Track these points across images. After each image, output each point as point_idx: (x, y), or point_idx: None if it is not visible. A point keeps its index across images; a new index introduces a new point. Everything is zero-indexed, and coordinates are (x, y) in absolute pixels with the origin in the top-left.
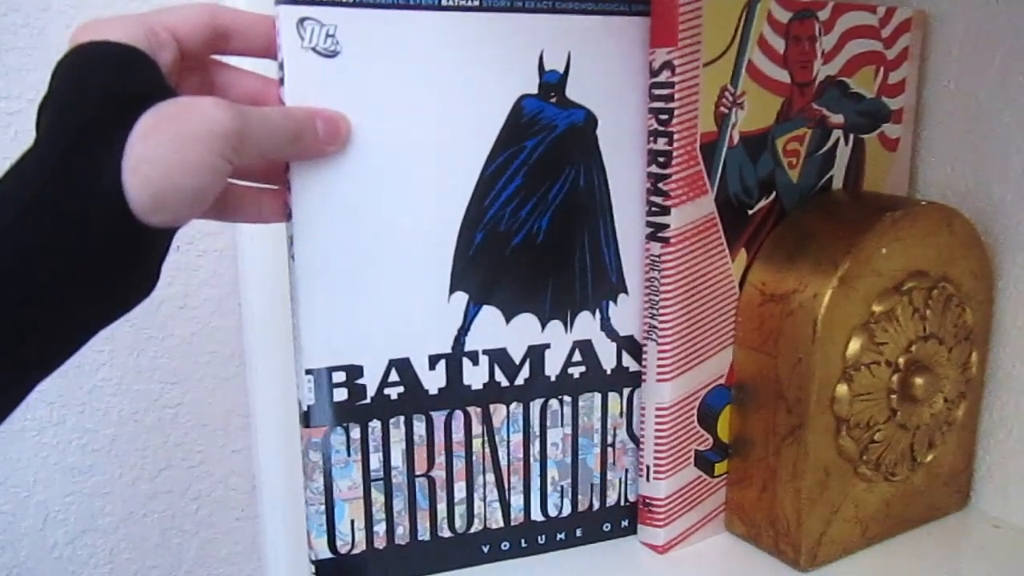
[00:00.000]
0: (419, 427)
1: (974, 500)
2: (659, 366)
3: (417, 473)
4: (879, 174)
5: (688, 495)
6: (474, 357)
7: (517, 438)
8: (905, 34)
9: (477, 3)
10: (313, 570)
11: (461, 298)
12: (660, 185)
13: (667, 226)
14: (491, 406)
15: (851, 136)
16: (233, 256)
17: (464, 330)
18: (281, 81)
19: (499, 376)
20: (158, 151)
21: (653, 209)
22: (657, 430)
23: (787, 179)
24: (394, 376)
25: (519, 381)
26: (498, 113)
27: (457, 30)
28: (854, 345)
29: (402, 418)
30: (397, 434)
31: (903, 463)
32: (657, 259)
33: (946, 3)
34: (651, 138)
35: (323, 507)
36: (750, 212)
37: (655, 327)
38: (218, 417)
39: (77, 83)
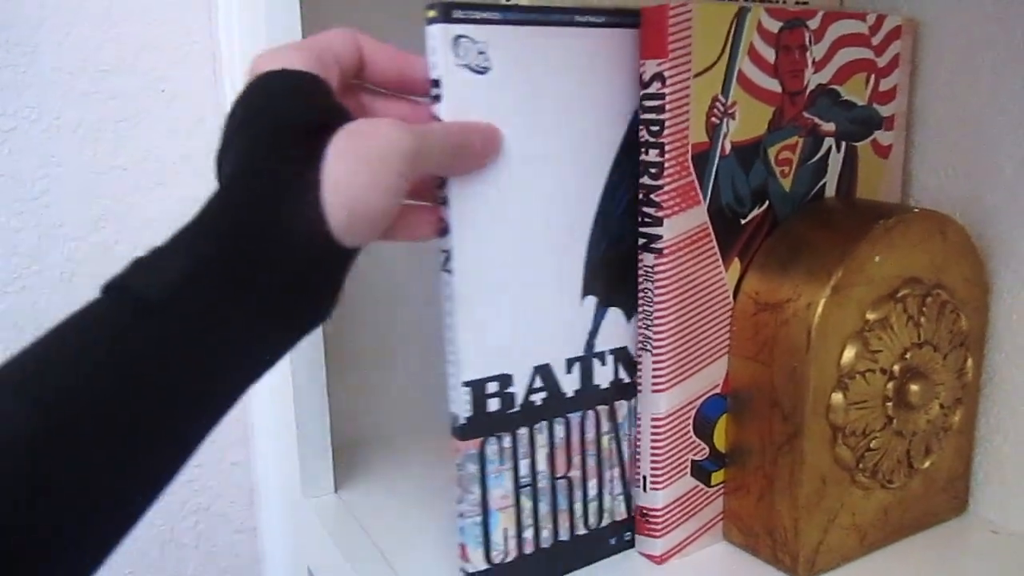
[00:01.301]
0: (559, 430)
1: (972, 506)
2: (654, 377)
3: (558, 475)
4: (872, 181)
5: (685, 505)
6: (602, 357)
7: (636, 431)
8: (896, 41)
9: (603, 20)
10: None
11: (591, 301)
12: (652, 196)
13: (660, 237)
14: (616, 403)
15: (843, 144)
16: None
17: (594, 332)
18: (437, 98)
19: (622, 373)
20: (351, 172)
21: (646, 220)
22: (653, 441)
23: (780, 188)
24: (538, 382)
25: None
26: (620, 122)
27: (585, 45)
28: (849, 353)
29: (545, 423)
30: (541, 439)
31: (900, 470)
32: (650, 270)
33: (937, 10)
34: (642, 149)
35: (480, 518)
36: (743, 222)
37: (649, 338)
38: (216, 430)
39: (270, 109)
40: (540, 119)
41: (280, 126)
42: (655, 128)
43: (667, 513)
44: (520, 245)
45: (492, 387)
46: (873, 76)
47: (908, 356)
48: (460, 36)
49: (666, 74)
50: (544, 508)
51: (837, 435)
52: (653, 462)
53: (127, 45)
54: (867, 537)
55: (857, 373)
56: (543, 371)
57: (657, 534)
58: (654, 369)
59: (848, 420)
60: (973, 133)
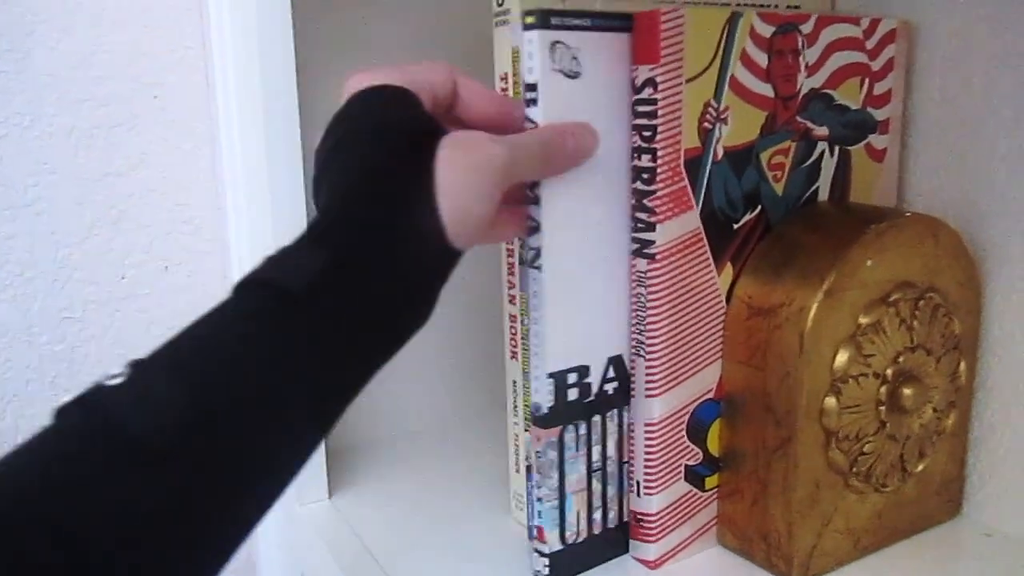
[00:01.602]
0: (627, 416)
1: (966, 509)
2: (647, 382)
3: (624, 459)
4: (867, 185)
5: (679, 509)
6: None
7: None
8: (890, 45)
9: None
10: (547, 563)
11: None
12: (645, 201)
13: (653, 242)
14: None
15: (836, 148)
16: (223, 275)
17: None
18: (533, 102)
19: None
20: (459, 180)
21: (638, 225)
22: (647, 446)
23: (772, 192)
24: (611, 372)
25: None
26: None
27: None
28: (841, 357)
29: (615, 410)
30: (612, 426)
31: (894, 474)
32: (643, 275)
33: (929, 13)
34: (635, 155)
35: (557, 502)
36: (736, 226)
37: (643, 343)
38: None
39: (383, 119)
40: (621, 121)
41: (395, 134)
42: (647, 133)
43: (661, 518)
44: (601, 242)
45: (572, 378)
46: (867, 80)
47: (901, 360)
48: (556, 42)
49: (658, 79)
50: (612, 490)
51: (830, 439)
52: (647, 467)
53: (119, 51)
54: (861, 541)
55: (850, 377)
56: (615, 361)
57: (651, 539)
58: (647, 374)
59: (841, 424)
60: (966, 136)
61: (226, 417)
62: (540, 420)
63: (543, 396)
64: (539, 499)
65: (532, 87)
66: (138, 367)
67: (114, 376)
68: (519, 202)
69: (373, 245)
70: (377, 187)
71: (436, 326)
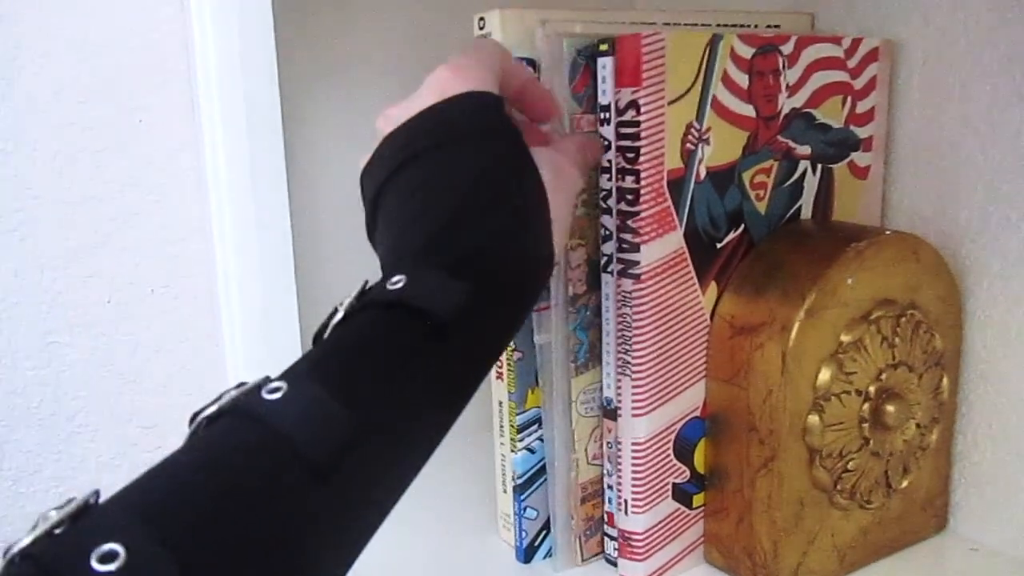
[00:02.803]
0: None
1: (951, 524)
2: (634, 401)
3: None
4: (850, 202)
5: (667, 528)
6: None
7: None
8: (873, 63)
9: None
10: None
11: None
12: (629, 223)
13: (637, 263)
14: None
15: (819, 166)
16: (209, 298)
17: None
18: (607, 121)
19: None
20: (560, 207)
21: (623, 246)
22: (634, 465)
23: (755, 211)
24: None
25: None
26: None
27: None
28: (824, 376)
29: None
30: None
31: (878, 490)
32: (628, 295)
33: (906, 33)
34: (618, 176)
35: None
36: (719, 245)
37: (628, 363)
38: None
39: (477, 135)
40: None
41: (505, 152)
42: (631, 155)
43: (649, 536)
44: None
45: None
46: (850, 98)
47: (883, 377)
48: None
49: (640, 102)
50: None
51: (814, 457)
52: (634, 486)
53: (103, 75)
54: (847, 558)
55: (833, 395)
56: None
57: (639, 557)
58: (633, 393)
59: (825, 442)
60: (945, 154)
61: (383, 437)
62: (610, 413)
63: (614, 391)
64: (609, 487)
65: (606, 108)
66: (294, 381)
67: (273, 389)
68: None
69: (505, 277)
70: (503, 212)
71: None
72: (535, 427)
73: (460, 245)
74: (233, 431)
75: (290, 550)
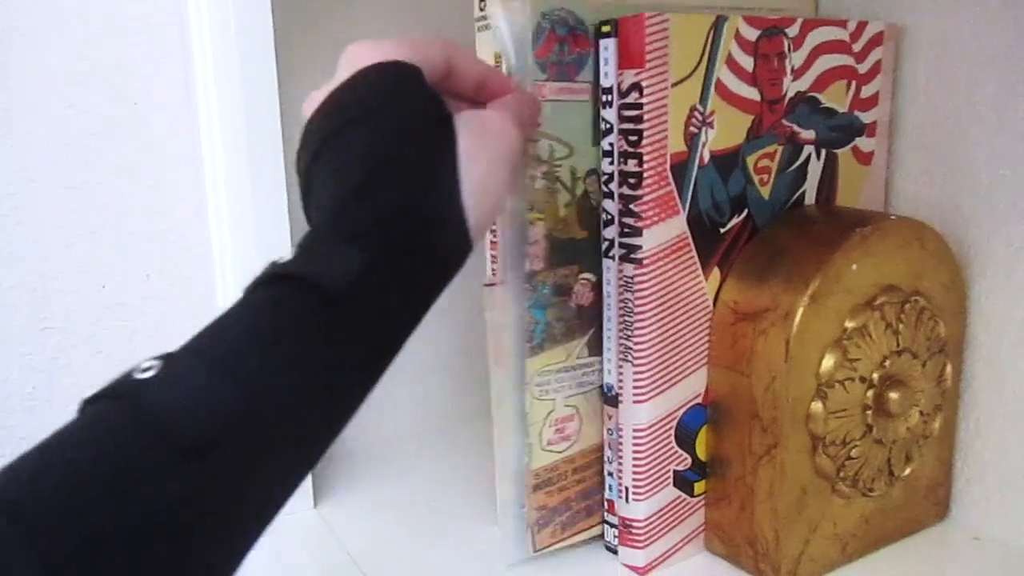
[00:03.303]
0: None
1: (953, 512)
2: (635, 388)
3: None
4: (854, 188)
5: (668, 516)
6: None
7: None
8: (877, 48)
9: None
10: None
11: None
12: (631, 206)
13: (639, 247)
14: None
15: (823, 151)
16: (206, 283)
17: None
18: (608, 104)
19: None
20: (481, 173)
21: (625, 231)
22: (635, 452)
23: (758, 196)
24: None
25: None
26: None
27: None
28: (827, 362)
29: None
30: None
31: (881, 478)
32: (631, 280)
33: (912, 18)
34: (621, 159)
35: None
36: (722, 230)
37: (630, 348)
38: None
39: (392, 102)
40: None
41: (414, 118)
42: (633, 138)
43: (650, 524)
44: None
45: None
46: (854, 83)
47: (887, 364)
48: None
49: (644, 84)
50: None
51: (817, 445)
52: (635, 473)
53: (99, 60)
54: (849, 546)
55: (836, 382)
56: None
57: (640, 545)
58: (635, 380)
59: (828, 429)
60: (950, 140)
61: (267, 410)
62: (611, 400)
63: (614, 378)
64: (609, 474)
65: (608, 91)
66: (170, 359)
67: (144, 368)
68: None
69: (405, 245)
70: (403, 180)
71: (422, 335)
72: None
73: (359, 216)
74: (100, 412)
75: (155, 528)
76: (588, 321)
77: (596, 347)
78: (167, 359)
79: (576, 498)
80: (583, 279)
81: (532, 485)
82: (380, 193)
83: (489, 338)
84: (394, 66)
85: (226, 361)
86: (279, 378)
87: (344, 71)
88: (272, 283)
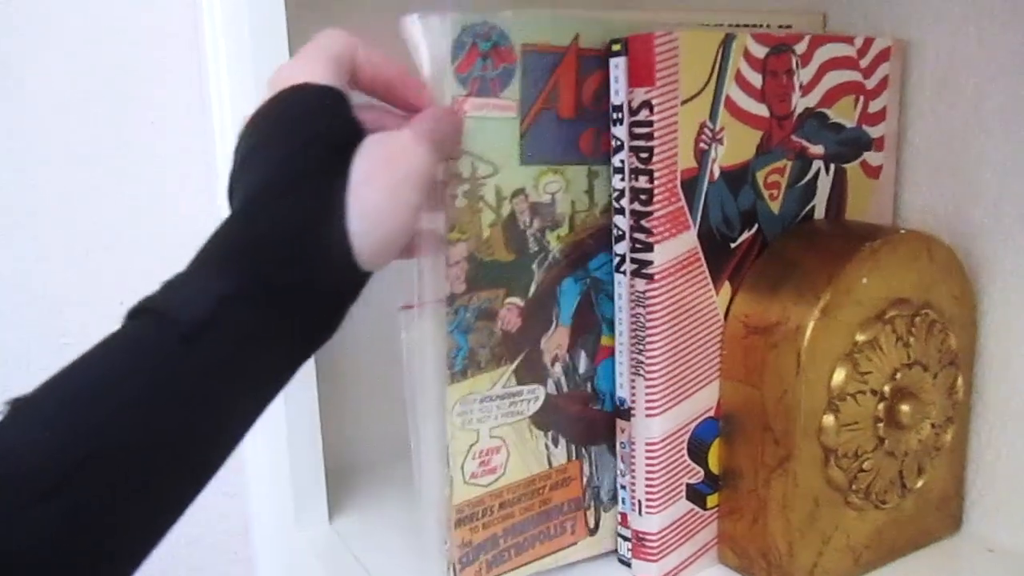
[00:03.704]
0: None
1: (966, 524)
2: (647, 402)
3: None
4: (862, 201)
5: (681, 528)
6: None
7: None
8: (884, 63)
9: None
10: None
11: None
12: (642, 222)
13: (651, 262)
14: None
15: (832, 165)
16: None
17: None
18: (619, 122)
19: None
20: (378, 199)
21: (636, 246)
22: (648, 465)
23: (768, 211)
24: None
25: None
26: None
27: None
28: (839, 375)
29: None
30: None
31: (893, 490)
32: (642, 295)
33: (918, 31)
34: (632, 176)
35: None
36: (733, 245)
37: (642, 363)
38: None
39: (289, 133)
40: None
41: (309, 149)
42: (644, 155)
43: (663, 537)
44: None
45: None
46: (862, 98)
47: (898, 376)
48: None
49: (654, 102)
50: None
51: (829, 457)
52: (648, 486)
53: (115, 74)
54: (862, 558)
55: (848, 395)
56: None
57: (653, 558)
58: (647, 394)
59: (840, 442)
60: (957, 153)
61: (112, 451)
62: (624, 414)
63: (627, 391)
64: (622, 487)
65: (618, 108)
66: (18, 405)
67: None
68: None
69: (272, 274)
70: (282, 209)
71: None
72: None
73: (226, 245)
74: None
75: (13, 571)
76: (516, 348)
77: (526, 375)
78: (14, 404)
79: (504, 535)
80: (510, 303)
81: (455, 520)
82: (251, 222)
83: (405, 363)
84: (303, 90)
85: (74, 402)
86: (124, 417)
87: (267, 94)
88: (136, 316)
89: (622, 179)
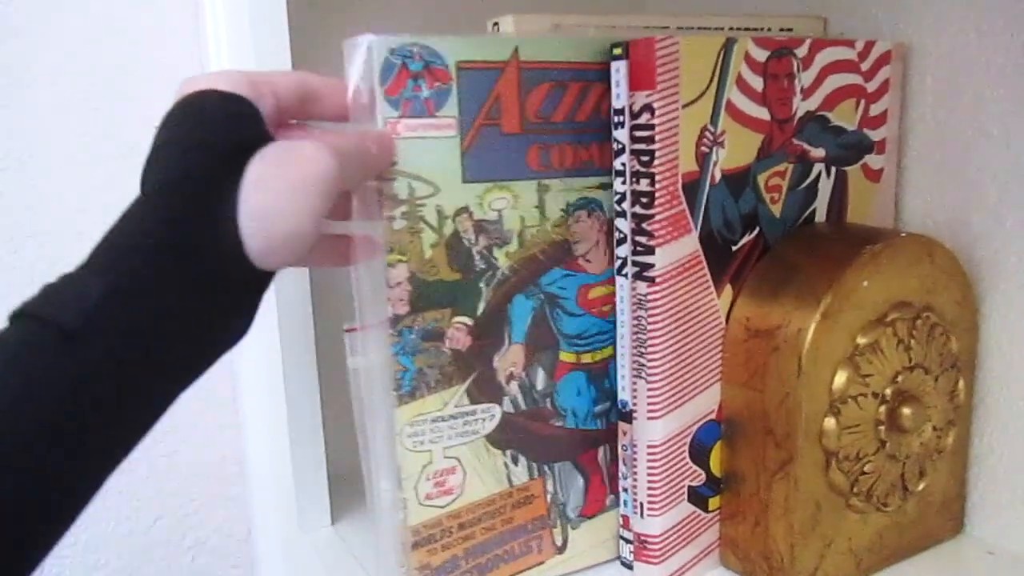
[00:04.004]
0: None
1: (968, 527)
2: (649, 405)
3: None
4: (864, 205)
5: (683, 531)
6: None
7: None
8: (885, 66)
9: None
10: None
11: None
12: (644, 225)
13: (652, 266)
14: None
15: (833, 169)
16: None
17: None
18: (620, 125)
19: None
20: (272, 198)
21: (638, 249)
22: (650, 468)
23: (769, 214)
24: None
25: None
26: None
27: None
28: (840, 378)
29: None
30: None
31: (895, 493)
32: (644, 298)
33: (919, 35)
34: (633, 179)
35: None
36: (734, 248)
37: (644, 366)
38: (212, 465)
39: (188, 133)
40: None
41: (204, 147)
42: (645, 158)
43: (665, 539)
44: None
45: None
46: (863, 101)
47: (899, 379)
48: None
49: (655, 105)
50: None
51: (830, 460)
52: (650, 489)
53: (115, 74)
54: (863, 561)
55: (849, 398)
56: None
57: (655, 561)
58: (649, 397)
59: (841, 445)
60: (958, 156)
61: None
62: (626, 416)
63: (630, 394)
64: (624, 489)
65: (620, 112)
66: None
67: None
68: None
69: (157, 271)
70: (171, 208)
71: None
72: None
73: (109, 244)
74: None
75: None
76: (468, 367)
77: (479, 394)
78: None
79: (465, 556)
80: (458, 323)
81: (411, 543)
82: (138, 221)
83: (352, 386)
84: (208, 95)
85: None
86: (5, 429)
87: (176, 98)
88: (17, 319)
89: (623, 182)
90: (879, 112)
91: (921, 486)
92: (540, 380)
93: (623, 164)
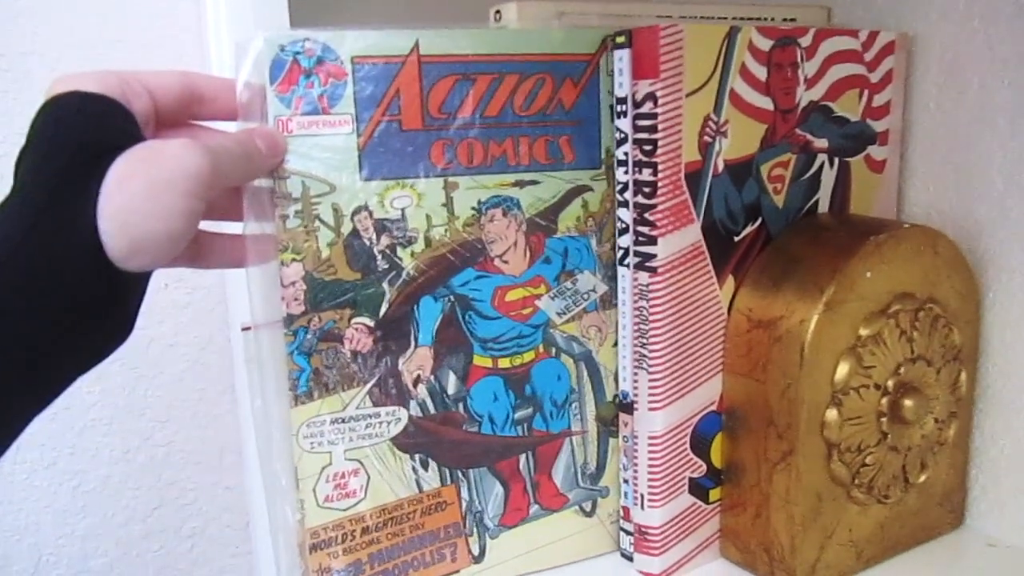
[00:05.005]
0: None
1: (969, 519)
2: (650, 395)
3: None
4: (866, 196)
5: (683, 522)
6: None
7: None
8: (889, 56)
9: None
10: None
11: None
12: (646, 215)
13: (654, 256)
14: None
15: (836, 159)
16: (222, 292)
17: None
18: (623, 114)
19: None
20: (133, 198)
21: (639, 239)
22: (650, 459)
23: (772, 204)
24: None
25: None
26: None
27: None
28: (842, 370)
29: None
30: None
31: (896, 485)
32: (645, 288)
33: (923, 26)
34: (636, 168)
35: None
36: (736, 239)
37: (645, 356)
38: (210, 454)
39: (52, 132)
40: None
41: (59, 149)
42: (648, 148)
43: (665, 531)
44: None
45: None
46: (866, 92)
47: (901, 371)
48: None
49: (658, 94)
50: None
51: (832, 451)
52: (651, 480)
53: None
54: (864, 553)
55: (851, 389)
56: None
57: (655, 552)
58: (650, 388)
59: (843, 436)
60: (962, 148)
61: None
62: (627, 408)
63: (630, 385)
64: (625, 480)
65: (622, 100)
66: None
67: None
68: (238, 219)
69: (15, 272)
70: (23, 214)
71: None
72: None
73: None
74: None
75: None
76: (369, 369)
77: (383, 397)
78: None
79: (369, 561)
80: (357, 323)
81: (309, 545)
82: (6, 226)
83: (248, 385)
84: (71, 97)
85: None
86: None
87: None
88: None
89: (626, 172)
90: (883, 103)
91: (922, 478)
92: (451, 384)
93: (625, 153)
